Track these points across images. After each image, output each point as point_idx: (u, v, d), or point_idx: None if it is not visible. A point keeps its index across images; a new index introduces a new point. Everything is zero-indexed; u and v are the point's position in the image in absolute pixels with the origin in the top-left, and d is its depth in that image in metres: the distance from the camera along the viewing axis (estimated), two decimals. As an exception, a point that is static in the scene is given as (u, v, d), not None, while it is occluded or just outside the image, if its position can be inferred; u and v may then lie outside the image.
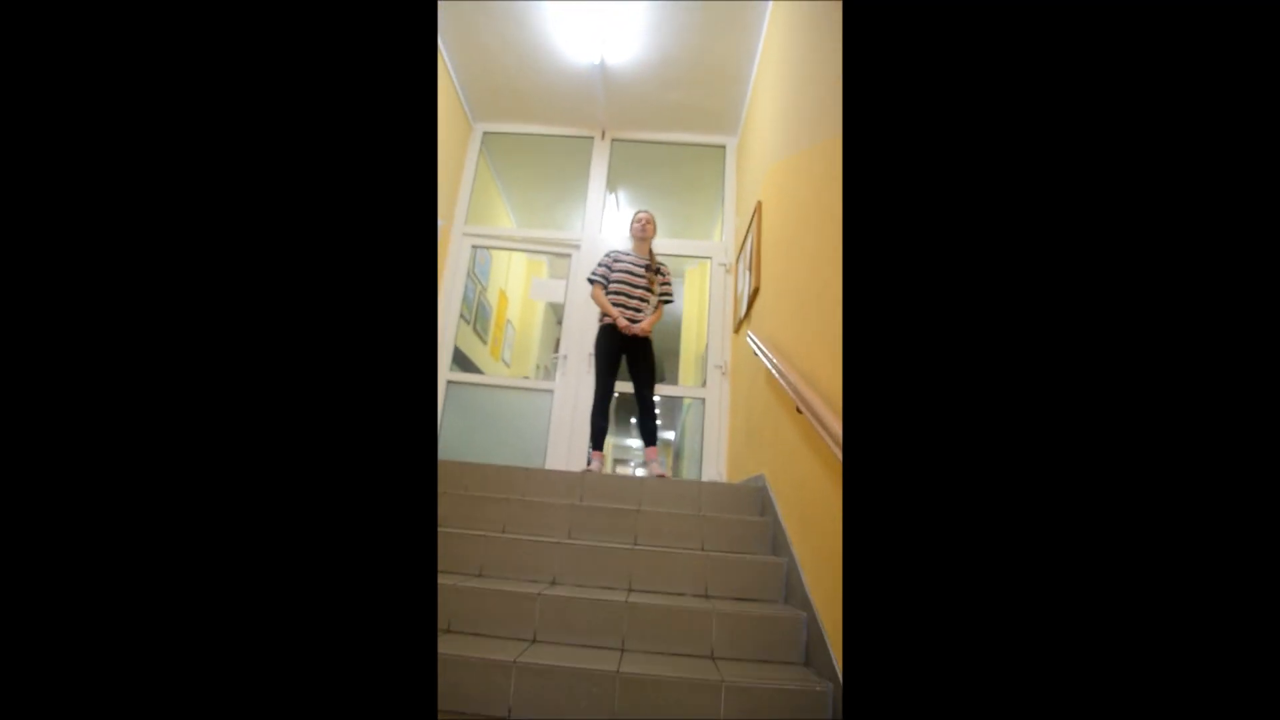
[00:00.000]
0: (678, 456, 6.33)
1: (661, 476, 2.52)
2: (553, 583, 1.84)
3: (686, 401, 4.05)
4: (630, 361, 2.82)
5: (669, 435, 8.54)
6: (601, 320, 2.86)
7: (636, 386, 2.83)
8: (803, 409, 1.61)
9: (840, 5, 1.66)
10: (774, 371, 2.02)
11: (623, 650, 1.56)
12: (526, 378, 4.94)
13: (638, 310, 2.82)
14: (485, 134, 4.09)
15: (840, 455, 1.26)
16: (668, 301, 2.90)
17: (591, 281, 2.89)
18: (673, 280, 2.99)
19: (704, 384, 3.66)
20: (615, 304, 2.81)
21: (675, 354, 4.71)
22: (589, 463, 2.74)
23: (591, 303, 3.61)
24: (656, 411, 2.85)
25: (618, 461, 7.86)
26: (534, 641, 1.57)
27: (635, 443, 10.28)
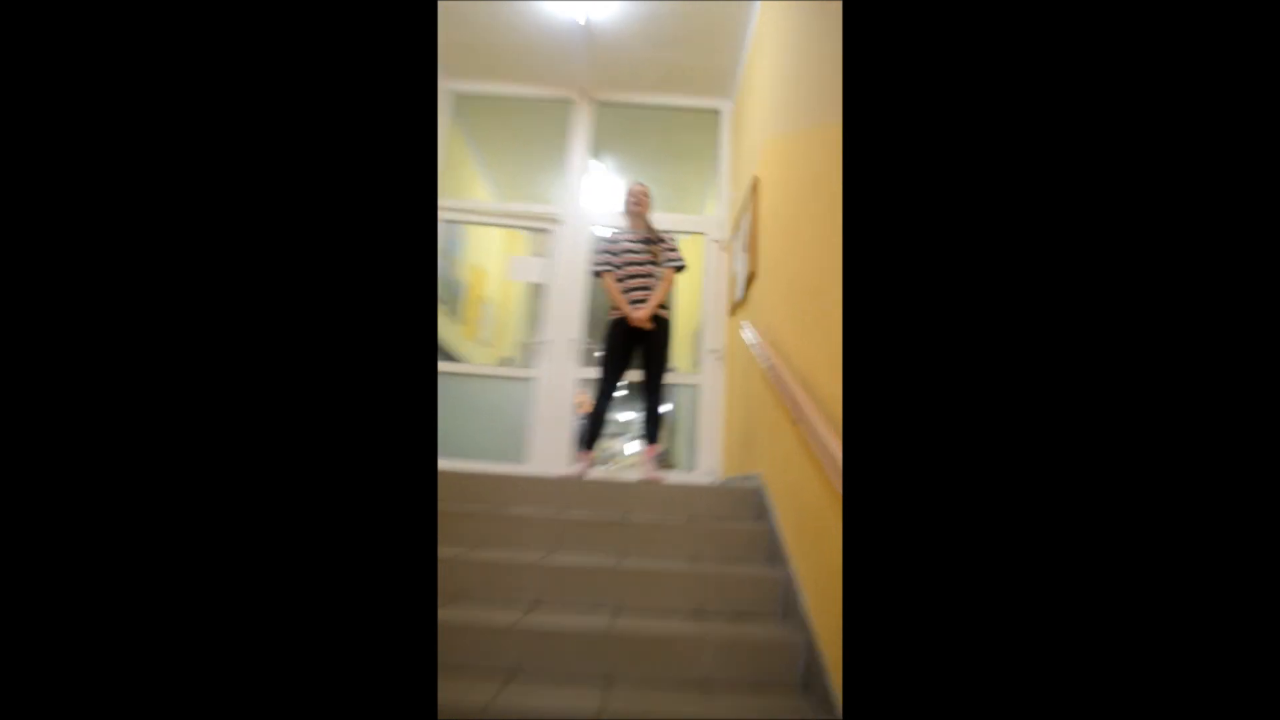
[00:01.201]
0: (672, 434, 6.20)
1: (653, 479, 2.33)
2: (536, 603, 1.69)
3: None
4: (645, 351, 2.54)
5: (664, 408, 8.38)
6: (610, 314, 2.57)
7: (646, 377, 2.55)
8: (800, 422, 1.43)
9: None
10: (772, 375, 1.84)
11: (609, 687, 1.41)
12: (509, 359, 4.73)
13: (647, 289, 2.52)
14: (457, 96, 3.75)
15: (836, 481, 1.09)
16: (680, 268, 2.59)
17: (599, 273, 2.59)
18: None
19: (697, 368, 3.48)
20: (626, 290, 2.52)
21: (666, 332, 4.51)
22: (575, 465, 2.56)
23: (575, 283, 3.41)
24: (662, 410, 2.59)
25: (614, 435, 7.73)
26: (512, 680, 1.42)
27: (627, 416, 10.13)
